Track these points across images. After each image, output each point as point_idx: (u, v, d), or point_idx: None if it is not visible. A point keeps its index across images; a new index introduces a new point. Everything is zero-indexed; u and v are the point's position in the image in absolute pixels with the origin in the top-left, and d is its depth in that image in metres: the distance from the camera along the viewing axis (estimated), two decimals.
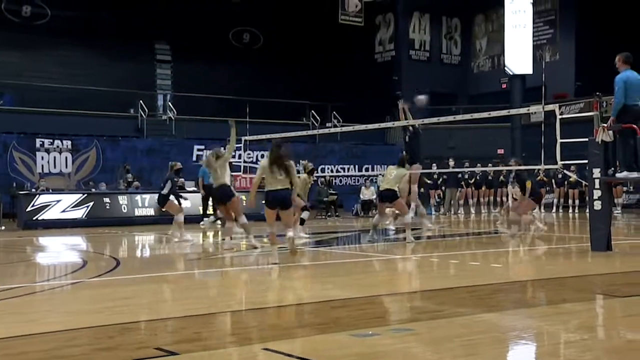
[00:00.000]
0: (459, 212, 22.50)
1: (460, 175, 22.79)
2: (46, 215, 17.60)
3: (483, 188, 23.60)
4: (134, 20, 27.09)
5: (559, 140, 10.75)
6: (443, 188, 22.86)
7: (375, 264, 9.83)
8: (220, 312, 6.04)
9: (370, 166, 26.32)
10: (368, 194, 22.28)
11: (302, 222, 13.50)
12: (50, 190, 19.15)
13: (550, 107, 12.15)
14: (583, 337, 4.92)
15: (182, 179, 18.29)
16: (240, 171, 18.02)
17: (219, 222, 16.74)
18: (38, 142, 21.46)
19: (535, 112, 20.45)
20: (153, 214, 18.56)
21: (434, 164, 21.57)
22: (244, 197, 15.99)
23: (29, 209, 17.52)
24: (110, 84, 24.98)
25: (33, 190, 19.31)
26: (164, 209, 13.96)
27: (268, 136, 16.27)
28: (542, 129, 11.26)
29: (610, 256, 9.81)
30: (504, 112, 14.72)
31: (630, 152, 9.82)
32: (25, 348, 4.64)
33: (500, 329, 5.22)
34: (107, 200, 18.58)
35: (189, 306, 6.20)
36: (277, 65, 28.90)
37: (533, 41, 29.31)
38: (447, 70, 32.97)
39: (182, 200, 13.58)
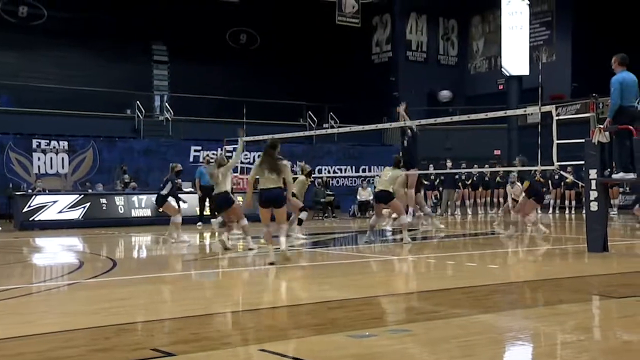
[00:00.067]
0: (456, 213, 22.52)
1: (457, 176, 22.81)
2: (43, 216, 17.57)
3: (480, 189, 23.62)
4: (131, 21, 27.07)
5: (556, 142, 10.76)
6: (440, 189, 22.87)
7: (372, 265, 9.84)
8: (217, 313, 6.04)
9: (367, 167, 26.33)
10: (365, 194, 22.29)
11: (300, 222, 13.53)
12: (47, 191, 19.11)
13: (546, 108, 12.16)
14: (580, 338, 4.93)
15: (179, 180, 18.28)
16: (237, 172, 18.02)
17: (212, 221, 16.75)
18: (34, 142, 21.42)
19: (531, 113, 20.44)
20: (150, 214, 18.55)
21: (431, 165, 21.59)
22: (240, 199, 15.97)
23: (25, 209, 17.48)
24: (107, 84, 24.95)
25: (29, 191, 19.27)
26: (161, 210, 13.98)
27: (265, 137, 16.23)
28: (539, 130, 11.26)
29: (607, 257, 9.83)
30: (500, 113, 14.74)
31: (627, 154, 9.83)
32: (22, 349, 4.63)
33: (497, 330, 5.23)
34: (103, 201, 18.56)
35: (186, 307, 6.19)
36: (274, 66, 28.90)
37: (530, 42, 29.37)
38: (444, 71, 33.00)
39: (180, 203, 13.66)
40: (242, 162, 18.83)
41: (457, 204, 23.10)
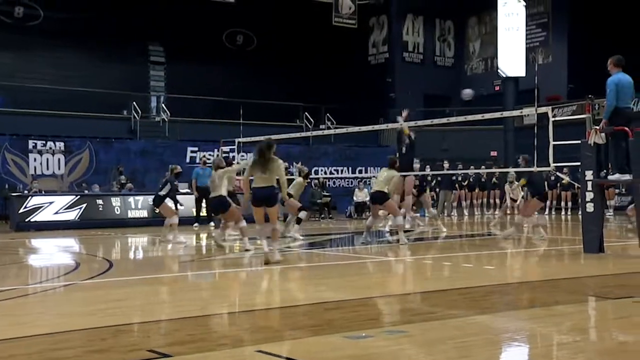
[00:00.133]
0: (453, 214, 22.54)
1: (454, 177, 22.84)
2: (39, 217, 17.54)
3: (476, 190, 23.66)
4: (128, 22, 27.04)
5: (552, 143, 10.79)
6: (437, 190, 22.90)
7: (368, 266, 9.84)
8: (214, 314, 6.03)
9: (363, 168, 26.34)
10: (361, 195, 22.31)
11: (299, 221, 13.56)
12: (43, 192, 19.08)
13: (543, 109, 12.18)
14: (575, 339, 4.94)
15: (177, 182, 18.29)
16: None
17: (212, 224, 16.75)
18: (31, 143, 21.38)
19: (528, 115, 20.55)
20: (146, 216, 18.54)
21: (428, 166, 21.61)
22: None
23: (21, 210, 17.45)
24: (103, 85, 24.92)
25: (25, 192, 19.24)
26: (157, 210, 13.99)
27: (262, 138, 16.24)
28: (535, 131, 11.29)
29: (603, 258, 9.85)
30: (497, 115, 14.81)
31: (622, 155, 9.86)
32: (17, 350, 4.62)
33: (493, 331, 5.24)
34: (100, 202, 18.53)
35: (182, 308, 6.19)
36: (270, 67, 28.90)
37: (526, 44, 29.42)
38: (441, 72, 33.05)
39: (178, 205, 13.71)
40: (239, 164, 18.80)
41: (454, 205, 23.13)
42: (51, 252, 13.15)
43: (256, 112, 24.23)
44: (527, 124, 25.46)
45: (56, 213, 17.76)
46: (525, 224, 17.07)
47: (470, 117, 13.66)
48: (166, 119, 25.01)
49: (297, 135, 19.00)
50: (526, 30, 29.49)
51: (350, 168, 26.49)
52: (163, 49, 28.83)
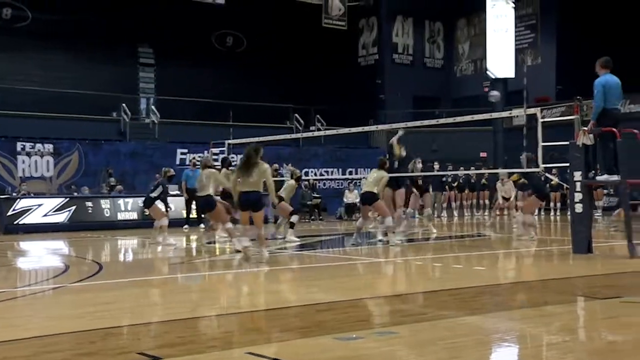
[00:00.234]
0: (442, 215, 22.59)
1: (443, 179, 22.90)
2: (27, 219, 17.44)
3: (466, 191, 23.72)
4: (117, 24, 26.94)
5: (541, 144, 10.84)
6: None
7: (359, 267, 9.85)
8: (204, 316, 6.02)
9: (353, 169, 26.35)
10: (352, 197, 22.33)
11: (292, 225, 13.57)
12: (32, 195, 18.97)
13: (531, 110, 12.24)
14: (565, 339, 4.97)
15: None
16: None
17: (202, 225, 16.72)
18: (19, 145, 21.23)
19: (517, 116, 20.62)
20: (136, 218, 18.47)
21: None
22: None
23: (9, 213, 17.34)
24: (93, 87, 24.81)
25: (14, 194, 19.11)
26: (147, 212, 13.97)
27: (251, 140, 16.24)
28: (524, 132, 11.35)
29: (591, 258, 9.90)
30: (486, 116, 14.86)
31: (610, 156, 9.92)
32: (6, 354, 4.59)
33: (484, 332, 5.25)
34: (89, 204, 18.45)
35: (172, 310, 6.17)
36: (260, 69, 28.88)
37: (515, 45, 29.57)
38: (430, 74, 33.14)
39: (168, 208, 13.71)
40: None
41: (444, 206, 23.19)
42: (40, 255, 13.08)
43: (246, 113, 24.20)
44: (516, 125, 25.58)
45: (45, 215, 17.67)
46: (514, 224, 17.17)
47: (459, 119, 13.69)
48: (156, 121, 24.93)
49: (287, 136, 19.00)
50: (515, 32, 29.64)
51: (340, 169, 26.50)
52: (152, 50, 28.74)
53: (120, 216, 18.63)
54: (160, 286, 8.24)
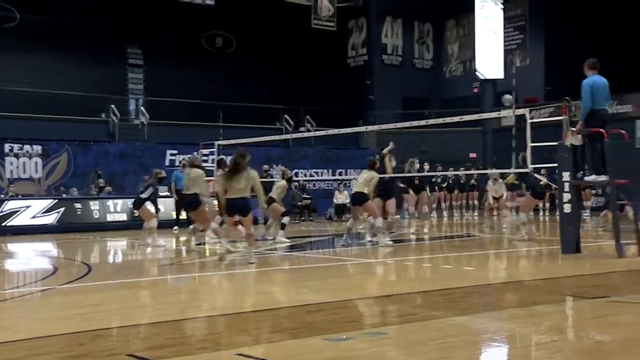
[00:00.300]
0: (432, 215, 22.64)
1: (433, 179, 22.94)
2: (16, 221, 17.32)
3: (455, 191, 23.78)
4: (106, 24, 26.81)
5: (529, 144, 10.88)
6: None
7: (349, 268, 9.86)
8: (194, 317, 6.01)
9: (343, 170, 26.38)
10: (342, 198, 22.34)
11: (283, 227, 13.58)
12: (20, 196, 18.86)
13: (520, 111, 12.30)
14: (553, 338, 4.99)
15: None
16: (213, 176, 17.93)
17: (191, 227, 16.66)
18: (7, 147, 21.10)
19: (506, 117, 20.71)
20: (125, 219, 18.40)
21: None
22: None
23: None
24: (82, 88, 24.68)
25: (2, 196, 18.98)
26: (136, 213, 13.94)
27: (241, 141, 16.25)
28: (513, 132, 11.40)
29: (580, 258, 9.96)
30: (475, 117, 14.91)
31: (598, 156, 9.98)
32: None
33: (473, 332, 5.28)
34: (78, 205, 18.35)
35: (162, 312, 6.16)
36: (250, 70, 28.82)
37: (504, 46, 29.69)
38: (420, 74, 33.21)
39: (158, 210, 13.70)
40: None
41: (433, 206, 23.23)
42: (28, 257, 13.01)
43: (236, 114, 24.16)
44: (505, 125, 25.68)
45: (34, 217, 17.56)
46: (505, 224, 17.25)
47: (448, 119, 13.73)
48: (145, 122, 24.85)
49: (277, 137, 19.01)
50: (504, 33, 29.76)
51: (330, 170, 26.53)
52: (141, 51, 28.62)
53: (110, 217, 18.56)
54: (149, 288, 8.22)
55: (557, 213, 11.17)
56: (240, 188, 9.69)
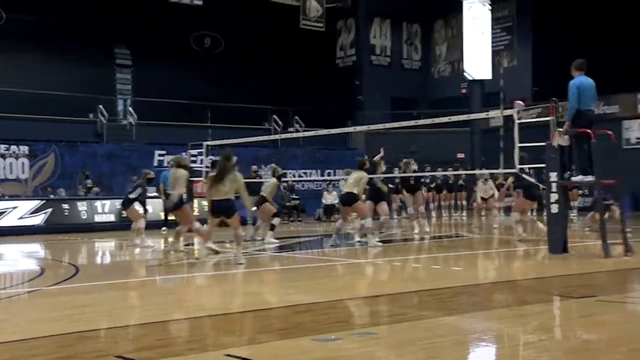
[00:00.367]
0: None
1: (421, 180, 22.97)
2: (2, 222, 17.20)
3: (444, 192, 23.85)
4: (93, 24, 26.68)
5: (517, 145, 10.93)
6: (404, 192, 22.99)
7: (338, 269, 9.87)
8: (182, 318, 5.99)
9: (332, 171, 26.39)
10: (330, 198, 22.35)
11: (273, 227, 13.56)
12: (7, 197, 18.73)
13: (508, 112, 12.33)
14: (541, 338, 5.02)
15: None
16: (201, 176, 17.89)
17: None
18: None
19: (494, 117, 20.77)
20: (113, 220, 18.32)
21: (396, 169, 21.71)
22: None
23: None
24: (69, 88, 24.55)
25: None
26: (124, 213, 13.90)
27: (230, 141, 16.22)
28: (501, 133, 11.44)
29: (567, 258, 10.02)
30: (463, 117, 14.93)
31: (585, 157, 10.04)
32: None
33: (462, 332, 5.30)
34: (66, 206, 18.26)
35: (150, 313, 6.14)
36: (238, 70, 28.79)
37: (491, 47, 29.83)
38: (408, 75, 33.30)
39: (146, 210, 13.67)
40: (207, 167, 18.72)
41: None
42: (15, 258, 12.92)
43: (224, 115, 24.11)
44: (493, 126, 25.80)
45: (21, 218, 17.46)
46: (495, 224, 17.32)
47: (437, 120, 13.77)
48: (133, 122, 24.76)
49: (266, 138, 19.00)
50: (491, 34, 29.90)
51: (318, 171, 26.54)
52: (129, 51, 28.50)
53: (97, 218, 18.47)
54: (137, 289, 8.19)
55: (545, 213, 11.23)
56: (225, 190, 9.76)
